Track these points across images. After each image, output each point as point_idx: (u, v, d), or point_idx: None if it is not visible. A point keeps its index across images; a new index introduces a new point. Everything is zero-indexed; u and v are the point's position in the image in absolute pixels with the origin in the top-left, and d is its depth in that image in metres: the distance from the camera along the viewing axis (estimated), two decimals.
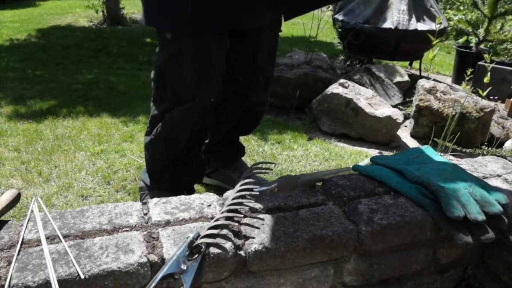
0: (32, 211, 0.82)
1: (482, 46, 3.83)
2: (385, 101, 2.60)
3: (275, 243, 0.79)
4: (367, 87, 2.80)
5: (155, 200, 0.90)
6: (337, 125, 2.50)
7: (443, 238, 0.94)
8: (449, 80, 3.92)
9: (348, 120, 2.45)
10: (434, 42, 2.17)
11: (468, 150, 2.38)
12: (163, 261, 0.73)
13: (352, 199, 0.95)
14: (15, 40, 4.60)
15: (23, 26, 5.35)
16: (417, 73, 3.69)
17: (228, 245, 0.76)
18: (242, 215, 0.85)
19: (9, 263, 0.69)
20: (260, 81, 1.52)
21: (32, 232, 0.77)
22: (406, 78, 3.20)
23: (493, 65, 3.08)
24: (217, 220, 0.81)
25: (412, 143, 2.51)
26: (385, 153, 2.27)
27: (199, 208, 0.88)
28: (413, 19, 3.23)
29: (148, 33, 5.04)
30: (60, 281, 0.66)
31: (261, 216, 0.86)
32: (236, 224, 0.82)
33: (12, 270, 0.67)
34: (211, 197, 0.93)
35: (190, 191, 1.52)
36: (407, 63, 3.93)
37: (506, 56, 4.34)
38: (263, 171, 1.07)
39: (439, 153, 1.36)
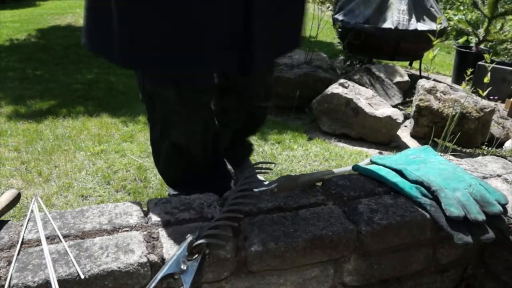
0: (32, 211, 0.82)
1: (482, 46, 3.83)
2: (385, 101, 2.60)
3: (275, 243, 0.79)
4: (367, 87, 2.80)
5: (155, 200, 0.90)
6: (337, 125, 2.50)
7: (443, 238, 0.94)
8: (449, 80, 3.92)
9: (348, 120, 2.45)
10: (434, 42, 2.17)
11: (468, 150, 2.38)
12: (163, 261, 0.73)
13: (352, 199, 0.95)
14: (15, 40, 4.59)
15: (23, 26, 5.34)
16: (417, 73, 3.69)
17: (228, 245, 0.76)
18: (242, 215, 0.85)
19: (9, 263, 0.69)
20: (261, 91, 1.46)
21: (32, 232, 0.77)
22: (406, 78, 3.19)
23: (493, 65, 3.07)
24: (217, 220, 0.81)
25: (412, 143, 2.51)
26: (385, 153, 2.27)
27: (199, 208, 0.88)
28: (413, 19, 3.23)
29: None
30: (60, 281, 0.66)
31: (261, 216, 0.86)
32: (236, 224, 0.82)
33: (12, 270, 0.67)
34: (211, 197, 0.93)
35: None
36: (407, 63, 3.93)
37: (506, 56, 4.34)
38: (263, 171, 1.07)
39: (439, 153, 1.35)
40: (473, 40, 3.96)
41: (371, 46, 3.35)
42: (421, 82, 2.60)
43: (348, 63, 3.61)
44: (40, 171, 1.84)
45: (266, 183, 0.97)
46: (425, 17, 3.31)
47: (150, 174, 1.86)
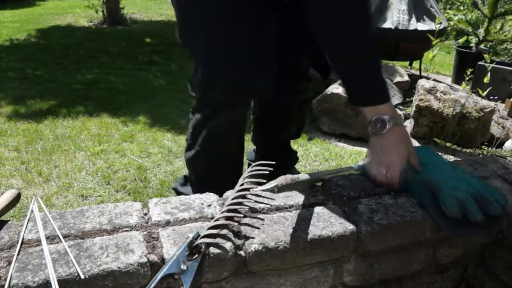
0: (32, 211, 0.82)
1: (482, 46, 3.83)
2: None
3: (275, 243, 0.79)
4: None
5: (155, 200, 0.90)
6: (337, 125, 2.50)
7: (443, 238, 0.94)
8: (449, 80, 3.92)
9: (348, 120, 2.45)
10: (434, 42, 2.17)
11: (468, 150, 2.38)
12: (163, 261, 0.73)
13: (352, 199, 0.95)
14: (15, 40, 4.60)
15: (23, 26, 5.35)
16: (417, 73, 3.69)
17: (228, 245, 0.76)
18: (242, 215, 0.85)
19: (9, 263, 0.69)
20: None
21: (32, 232, 0.77)
22: (406, 78, 3.20)
23: (493, 65, 3.08)
24: (217, 220, 0.81)
25: (412, 143, 2.51)
26: None
27: (199, 208, 0.88)
28: (413, 19, 3.23)
29: (148, 33, 5.04)
30: (60, 281, 0.66)
31: (261, 216, 0.86)
32: (236, 224, 0.82)
33: (12, 270, 0.67)
34: (211, 197, 0.93)
35: None
36: (407, 63, 3.93)
37: (506, 56, 4.34)
38: (263, 171, 1.07)
39: (439, 153, 1.35)
40: (473, 40, 3.97)
41: None
42: (421, 82, 2.60)
43: None
44: (40, 171, 1.84)
45: (266, 183, 0.97)
46: (425, 17, 3.31)
47: (150, 174, 1.86)
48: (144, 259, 0.72)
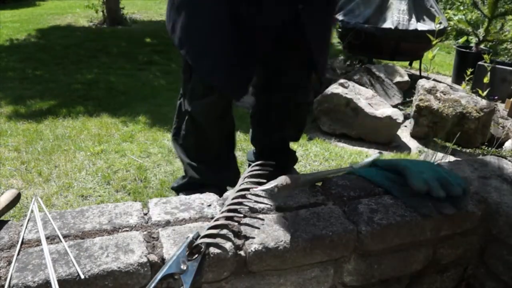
0: (32, 211, 0.82)
1: (482, 46, 3.83)
2: (385, 101, 2.60)
3: (275, 243, 0.79)
4: (367, 87, 2.80)
5: (155, 200, 0.90)
6: (337, 125, 2.50)
7: (443, 238, 0.94)
8: (449, 80, 3.92)
9: (348, 120, 2.45)
10: (434, 42, 2.17)
11: (468, 150, 2.38)
12: (163, 261, 0.73)
13: (352, 199, 0.95)
14: (15, 40, 4.60)
15: (23, 26, 5.35)
16: (417, 73, 3.69)
17: (228, 245, 0.76)
18: (242, 215, 0.85)
19: (9, 263, 0.69)
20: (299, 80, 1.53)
21: (32, 232, 0.77)
22: (406, 78, 3.20)
23: (493, 65, 3.08)
24: (217, 220, 0.81)
25: (412, 143, 2.51)
26: (385, 153, 2.27)
27: (199, 208, 0.88)
28: (413, 19, 3.23)
29: (148, 33, 5.04)
30: (60, 281, 0.66)
31: (261, 216, 0.86)
32: (236, 224, 0.82)
33: (12, 270, 0.67)
34: (211, 197, 0.93)
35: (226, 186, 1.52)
36: (407, 63, 3.93)
37: (506, 56, 4.34)
38: (263, 171, 1.07)
39: (439, 153, 1.36)
40: (473, 40, 3.97)
41: (371, 46, 3.35)
42: (421, 82, 2.60)
43: (348, 63, 3.61)
44: (40, 171, 1.84)
45: (266, 183, 0.97)
46: (425, 17, 3.31)
47: (150, 174, 1.86)
48: (144, 259, 0.72)
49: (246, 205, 0.88)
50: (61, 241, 0.74)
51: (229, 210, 0.85)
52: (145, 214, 0.85)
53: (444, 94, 2.48)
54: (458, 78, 3.71)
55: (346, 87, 2.55)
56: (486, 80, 2.39)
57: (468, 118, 2.37)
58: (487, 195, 0.99)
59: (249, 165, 1.24)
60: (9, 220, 0.81)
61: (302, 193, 0.96)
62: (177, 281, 0.72)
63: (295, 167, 1.83)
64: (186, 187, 1.51)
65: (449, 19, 4.67)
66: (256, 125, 1.67)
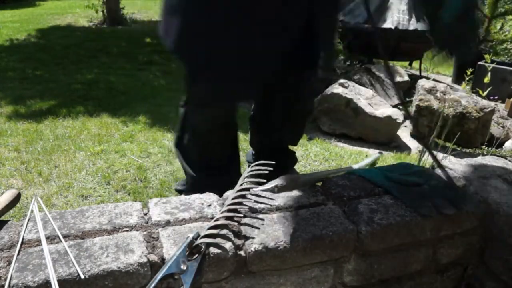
0: (32, 211, 0.82)
1: (482, 46, 3.83)
2: (385, 101, 2.60)
3: (275, 243, 0.79)
4: (367, 87, 2.80)
5: (155, 200, 0.90)
6: (337, 125, 2.50)
7: (443, 238, 0.94)
8: (449, 80, 3.92)
9: (348, 120, 2.45)
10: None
11: (468, 150, 2.38)
12: (163, 261, 0.73)
13: (352, 199, 0.95)
14: (15, 40, 4.60)
15: (23, 26, 5.35)
16: (417, 73, 3.69)
17: (228, 245, 0.76)
18: (242, 215, 0.85)
19: (9, 263, 0.69)
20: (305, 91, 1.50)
21: (32, 232, 0.77)
22: (406, 78, 3.20)
23: (493, 65, 3.08)
24: (217, 220, 0.81)
25: (412, 143, 2.51)
26: (385, 153, 2.27)
27: (199, 208, 0.88)
28: (413, 19, 3.23)
29: (148, 33, 5.04)
30: (60, 281, 0.66)
31: (261, 216, 0.86)
32: (236, 224, 0.82)
33: (12, 270, 0.67)
34: (211, 197, 0.93)
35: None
36: (407, 63, 3.93)
37: (506, 56, 4.33)
38: (262, 171, 1.07)
39: (439, 154, 1.36)
40: None
41: (371, 46, 3.35)
42: (421, 82, 2.60)
43: (348, 63, 3.61)
44: (40, 171, 1.84)
45: (266, 183, 0.97)
46: (425, 17, 3.31)
47: (150, 174, 1.86)
48: (144, 259, 0.72)
49: (246, 205, 0.88)
50: (61, 241, 0.74)
51: (229, 210, 0.85)
52: (145, 214, 0.85)
53: (444, 94, 2.48)
54: (458, 78, 3.71)
55: (346, 87, 2.55)
56: (486, 80, 2.39)
57: (468, 118, 2.37)
58: (487, 195, 0.99)
59: (249, 165, 1.24)
60: (9, 220, 0.81)
61: (302, 193, 0.96)
62: (177, 281, 0.72)
63: (295, 167, 1.83)
64: (187, 194, 1.51)
65: None
66: (256, 126, 1.66)
